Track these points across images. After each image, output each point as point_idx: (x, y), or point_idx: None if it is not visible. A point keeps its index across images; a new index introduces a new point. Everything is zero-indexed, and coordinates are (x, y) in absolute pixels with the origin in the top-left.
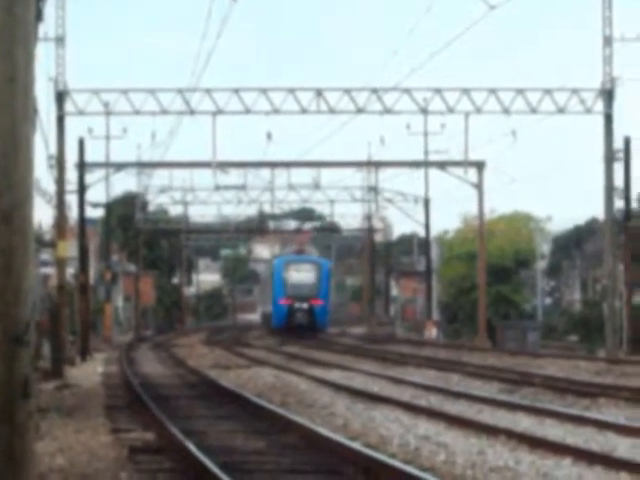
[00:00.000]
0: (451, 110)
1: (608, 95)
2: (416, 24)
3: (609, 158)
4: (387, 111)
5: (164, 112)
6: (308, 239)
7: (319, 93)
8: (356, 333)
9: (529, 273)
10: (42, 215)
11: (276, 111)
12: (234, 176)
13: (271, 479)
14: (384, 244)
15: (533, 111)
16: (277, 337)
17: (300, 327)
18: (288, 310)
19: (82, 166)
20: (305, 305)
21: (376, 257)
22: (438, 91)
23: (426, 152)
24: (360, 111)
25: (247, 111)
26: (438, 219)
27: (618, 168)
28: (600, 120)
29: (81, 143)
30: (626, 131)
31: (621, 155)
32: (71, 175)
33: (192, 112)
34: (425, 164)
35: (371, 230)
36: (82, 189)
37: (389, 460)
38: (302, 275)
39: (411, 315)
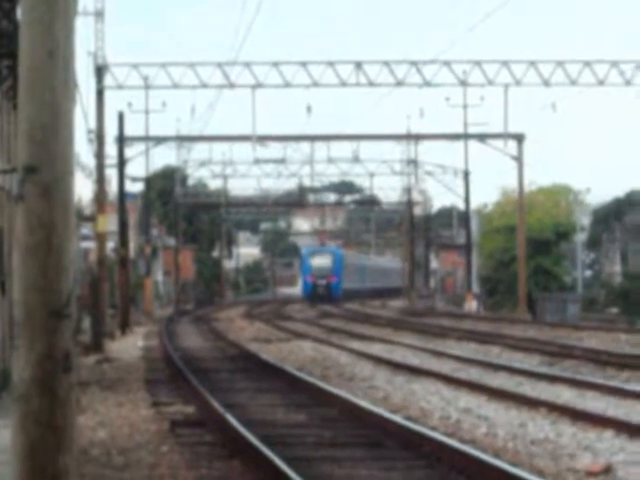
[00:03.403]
0: (491, 82)
1: None
2: None
3: None
4: (426, 84)
5: (204, 86)
6: (327, 236)
7: (358, 66)
8: (396, 306)
9: (569, 245)
10: (82, 189)
11: (315, 84)
12: (274, 149)
13: (312, 452)
14: (424, 217)
15: (573, 83)
16: (316, 311)
17: (321, 297)
18: (312, 284)
19: (122, 140)
20: (324, 281)
21: (416, 230)
22: (477, 63)
23: (465, 124)
24: (399, 84)
25: (287, 84)
26: (477, 192)
27: None
28: None
29: (120, 117)
30: None
31: None
32: (111, 149)
33: (232, 86)
34: (465, 137)
35: (410, 203)
36: (122, 163)
37: (430, 433)
38: (322, 260)
39: (451, 288)
